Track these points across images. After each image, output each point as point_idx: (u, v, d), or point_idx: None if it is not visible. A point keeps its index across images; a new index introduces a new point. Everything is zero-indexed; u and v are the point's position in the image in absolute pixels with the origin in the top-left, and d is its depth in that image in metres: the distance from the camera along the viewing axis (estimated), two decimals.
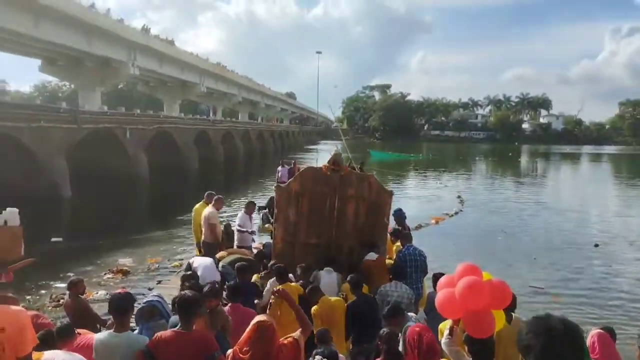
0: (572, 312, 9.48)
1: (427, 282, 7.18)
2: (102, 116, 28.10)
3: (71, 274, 10.07)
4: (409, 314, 5.16)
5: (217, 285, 4.94)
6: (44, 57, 34.57)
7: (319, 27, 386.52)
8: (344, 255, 7.08)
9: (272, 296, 5.06)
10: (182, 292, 3.94)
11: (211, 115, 63.17)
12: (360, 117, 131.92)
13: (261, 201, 17.08)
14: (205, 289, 4.64)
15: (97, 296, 9.56)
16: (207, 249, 8.62)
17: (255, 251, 8.78)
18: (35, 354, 3.28)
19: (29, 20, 25.63)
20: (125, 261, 12.24)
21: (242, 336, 3.29)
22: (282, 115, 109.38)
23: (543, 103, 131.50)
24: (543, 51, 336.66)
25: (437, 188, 29.73)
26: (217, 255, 7.68)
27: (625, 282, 11.58)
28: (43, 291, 10.16)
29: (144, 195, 27.76)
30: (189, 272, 6.37)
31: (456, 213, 19.89)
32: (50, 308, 9.08)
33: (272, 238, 8.21)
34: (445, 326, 4.19)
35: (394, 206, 8.14)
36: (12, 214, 5.28)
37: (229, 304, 4.92)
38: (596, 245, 14.77)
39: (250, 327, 3.28)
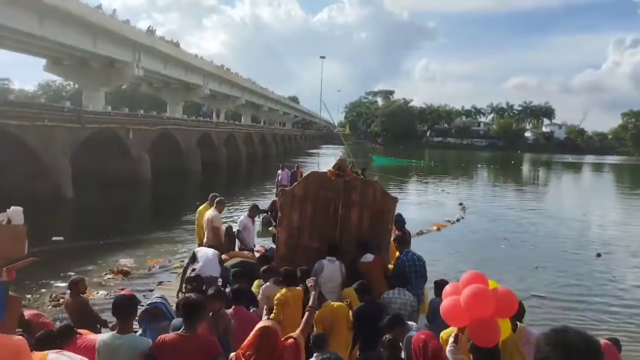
0: (574, 321, 9.44)
1: (429, 289, 7.14)
2: (105, 116, 28.11)
3: (72, 274, 10.04)
4: (410, 323, 5.11)
5: (220, 287, 4.90)
6: (49, 57, 34.71)
7: (323, 32, 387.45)
8: (347, 261, 7.05)
9: (274, 299, 5.03)
10: (187, 295, 3.92)
11: (214, 117, 63.28)
12: (362, 122, 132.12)
13: (262, 204, 17.06)
14: (210, 291, 4.61)
15: (98, 296, 9.56)
16: None
17: (257, 254, 8.75)
18: (38, 354, 3.27)
19: (35, 19, 25.74)
20: (126, 262, 12.22)
21: (246, 341, 3.28)
22: (285, 119, 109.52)
23: (546, 112, 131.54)
24: (546, 60, 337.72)
25: (438, 194, 29.71)
26: None
27: (628, 293, 11.54)
28: (43, 290, 10.15)
29: (146, 196, 27.75)
30: (193, 275, 6.31)
31: (458, 220, 19.86)
32: (50, 307, 9.06)
33: (274, 241, 8.20)
34: (447, 334, 4.16)
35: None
36: (16, 213, 5.27)
37: (232, 307, 4.89)
38: (598, 255, 14.72)
39: (254, 332, 3.27)
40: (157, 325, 4.62)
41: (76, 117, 24.26)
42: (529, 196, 32.74)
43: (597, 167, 72.69)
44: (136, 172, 29.15)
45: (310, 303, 3.70)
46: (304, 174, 13.01)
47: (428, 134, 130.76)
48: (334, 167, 7.37)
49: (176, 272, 10.49)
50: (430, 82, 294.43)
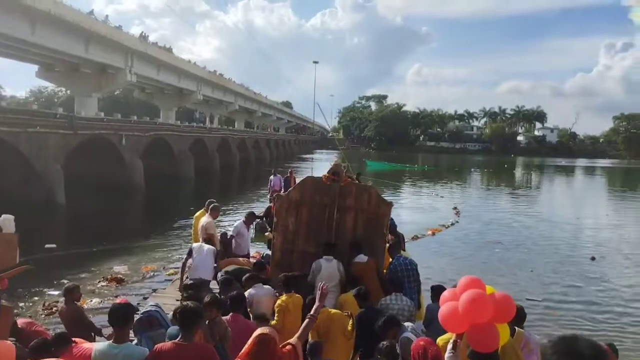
0: (568, 325, 9.47)
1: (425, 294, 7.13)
2: (98, 122, 27.96)
3: (65, 281, 9.95)
4: (407, 323, 5.11)
5: (216, 294, 4.86)
6: (41, 63, 34.51)
7: (316, 37, 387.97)
8: (342, 264, 7.04)
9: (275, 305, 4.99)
10: (184, 303, 3.88)
11: (207, 123, 63.16)
12: (356, 127, 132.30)
13: (256, 210, 17.01)
14: (206, 298, 4.57)
15: (91, 304, 9.46)
16: None
17: (253, 260, 8.70)
18: None
19: (27, 25, 25.58)
20: (119, 269, 12.11)
21: (244, 348, 3.24)
22: (278, 124, 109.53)
23: (538, 116, 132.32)
24: (538, 64, 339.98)
25: (432, 199, 29.77)
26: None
27: (623, 296, 11.60)
28: (36, 298, 10.04)
29: (139, 203, 27.61)
30: (190, 282, 6.26)
31: (452, 224, 19.90)
32: (43, 316, 8.97)
33: (269, 247, 8.18)
34: (444, 340, 4.15)
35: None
36: (7, 221, 5.22)
37: (230, 314, 4.85)
38: (593, 259, 14.79)
39: (251, 339, 3.23)
40: (153, 333, 4.57)
41: (68, 123, 24.12)
42: (522, 200, 32.89)
43: (590, 171, 73.19)
44: (129, 178, 29.00)
45: (312, 311, 3.67)
46: (298, 179, 13.03)
47: (421, 138, 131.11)
48: (329, 172, 7.39)
49: (170, 279, 10.42)
50: (423, 86, 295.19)
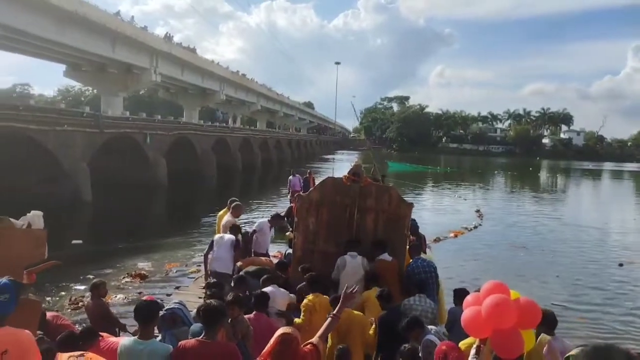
0: (595, 332, 9.27)
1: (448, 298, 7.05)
2: (123, 121, 28.47)
3: (90, 277, 10.19)
4: (430, 326, 5.06)
5: (240, 294, 4.89)
6: (68, 63, 35.25)
7: (338, 38, 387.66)
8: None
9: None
10: (208, 301, 3.93)
11: (230, 122, 63.65)
12: (377, 128, 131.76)
13: (279, 210, 17.07)
14: (228, 297, 4.61)
15: (116, 300, 9.63)
16: None
17: (274, 259, 8.73)
18: (64, 356, 3.30)
19: (54, 25, 26.12)
20: (143, 265, 12.31)
21: (266, 348, 3.26)
22: (300, 125, 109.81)
23: (564, 118, 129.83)
24: (564, 67, 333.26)
25: (455, 201, 29.46)
26: (237, 265, 7.68)
27: None
28: (62, 293, 10.27)
29: (162, 200, 28.02)
30: (214, 280, 6.33)
31: (475, 227, 19.66)
32: (69, 310, 9.16)
33: (290, 247, 8.22)
34: (465, 345, 4.09)
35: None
36: (36, 217, 5.34)
37: (253, 313, 4.89)
38: (620, 265, 14.43)
39: (274, 338, 3.25)
40: (177, 330, 4.64)
41: (95, 122, 24.62)
42: (547, 203, 32.29)
43: (617, 174, 71.46)
44: (153, 176, 29.46)
45: (335, 311, 3.67)
46: (318, 180, 13.04)
47: (444, 140, 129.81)
48: (349, 172, 7.40)
49: (193, 277, 10.55)
50: (446, 88, 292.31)
